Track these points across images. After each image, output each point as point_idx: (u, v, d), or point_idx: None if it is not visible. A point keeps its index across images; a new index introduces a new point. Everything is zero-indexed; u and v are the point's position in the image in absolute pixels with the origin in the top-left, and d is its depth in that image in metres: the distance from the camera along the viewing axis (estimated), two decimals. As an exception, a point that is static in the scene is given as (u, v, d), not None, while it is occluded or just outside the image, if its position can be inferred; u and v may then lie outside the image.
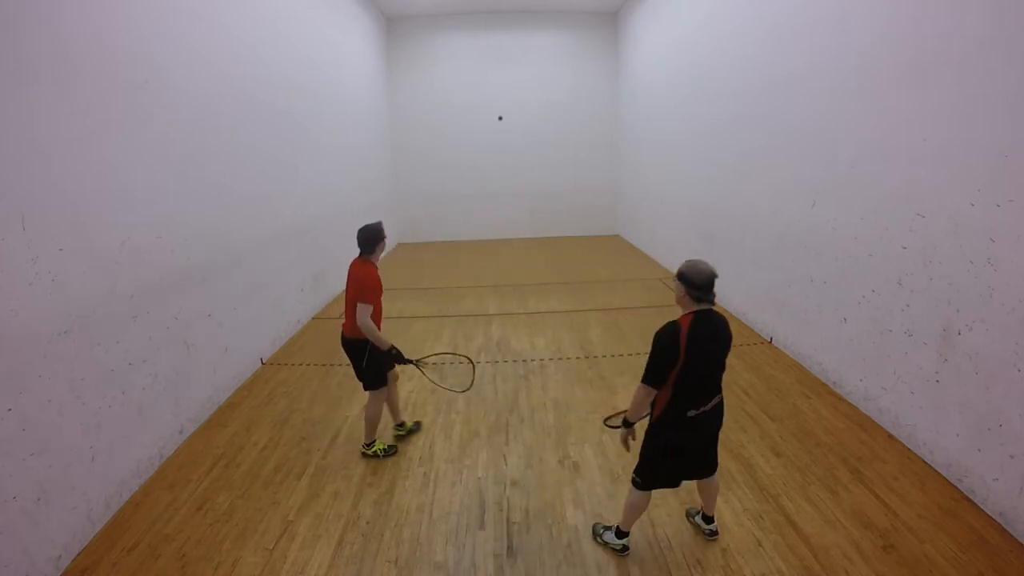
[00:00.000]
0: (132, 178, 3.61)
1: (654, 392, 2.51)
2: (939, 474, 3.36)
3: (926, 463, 3.47)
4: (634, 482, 2.72)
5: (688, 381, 2.46)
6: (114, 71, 3.47)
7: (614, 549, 2.83)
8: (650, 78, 10.00)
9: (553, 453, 3.76)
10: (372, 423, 3.74)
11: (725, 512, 3.10)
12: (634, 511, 2.76)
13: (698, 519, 2.99)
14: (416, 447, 3.90)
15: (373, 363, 3.62)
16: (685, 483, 2.79)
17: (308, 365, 5.43)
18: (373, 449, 3.78)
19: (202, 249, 4.44)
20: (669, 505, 3.17)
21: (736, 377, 4.82)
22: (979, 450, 3.08)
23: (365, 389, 3.72)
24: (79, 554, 2.92)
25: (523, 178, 12.66)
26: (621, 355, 5.44)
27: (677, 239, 8.74)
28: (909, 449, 3.63)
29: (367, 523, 3.11)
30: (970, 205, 3.12)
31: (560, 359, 5.36)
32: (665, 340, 2.42)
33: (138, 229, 3.64)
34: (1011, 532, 2.84)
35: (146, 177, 3.76)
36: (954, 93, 3.22)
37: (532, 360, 5.40)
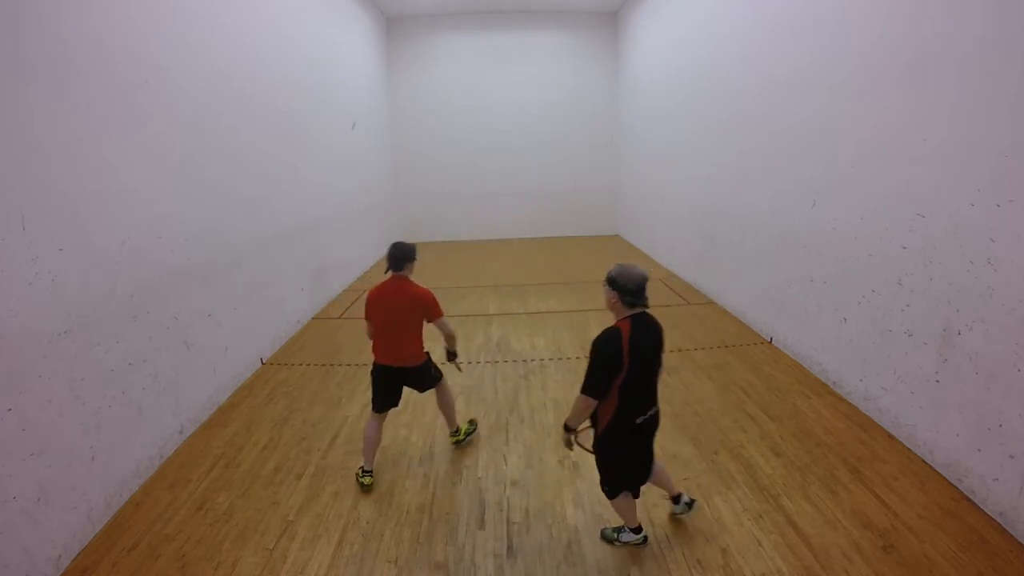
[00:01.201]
0: (132, 178, 3.61)
1: (594, 403, 2.43)
2: (939, 474, 3.35)
3: (926, 463, 3.46)
4: (606, 493, 2.72)
5: (633, 388, 2.41)
6: (114, 71, 3.47)
7: (636, 544, 2.85)
8: (650, 78, 10.00)
9: (553, 453, 3.76)
10: (452, 409, 3.79)
11: (725, 512, 3.10)
12: (626, 511, 2.78)
13: (677, 508, 3.00)
14: (416, 447, 3.90)
15: (433, 365, 3.65)
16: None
17: (308, 365, 5.43)
18: (459, 436, 3.83)
19: (202, 249, 4.44)
20: (669, 505, 3.16)
21: (736, 377, 4.82)
22: (979, 450, 3.08)
23: (431, 387, 3.67)
24: (79, 554, 2.92)
25: (523, 178, 12.66)
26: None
27: (677, 239, 8.74)
28: (909, 449, 3.62)
29: (367, 523, 3.11)
30: (970, 205, 3.12)
31: (560, 359, 5.36)
32: (606, 349, 2.35)
33: (138, 229, 3.64)
34: (1011, 532, 2.84)
35: (146, 177, 3.76)
36: (954, 93, 3.21)
37: (532, 360, 5.40)
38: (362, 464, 3.46)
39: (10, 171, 2.68)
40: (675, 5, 8.47)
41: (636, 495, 2.76)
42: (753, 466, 3.52)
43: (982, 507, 3.04)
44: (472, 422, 4.03)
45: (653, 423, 2.63)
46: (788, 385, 4.64)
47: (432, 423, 4.21)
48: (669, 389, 4.64)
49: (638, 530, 2.84)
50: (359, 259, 9.53)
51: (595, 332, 2.58)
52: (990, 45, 2.96)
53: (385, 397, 3.50)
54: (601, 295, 2.64)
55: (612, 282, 2.40)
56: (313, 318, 7.01)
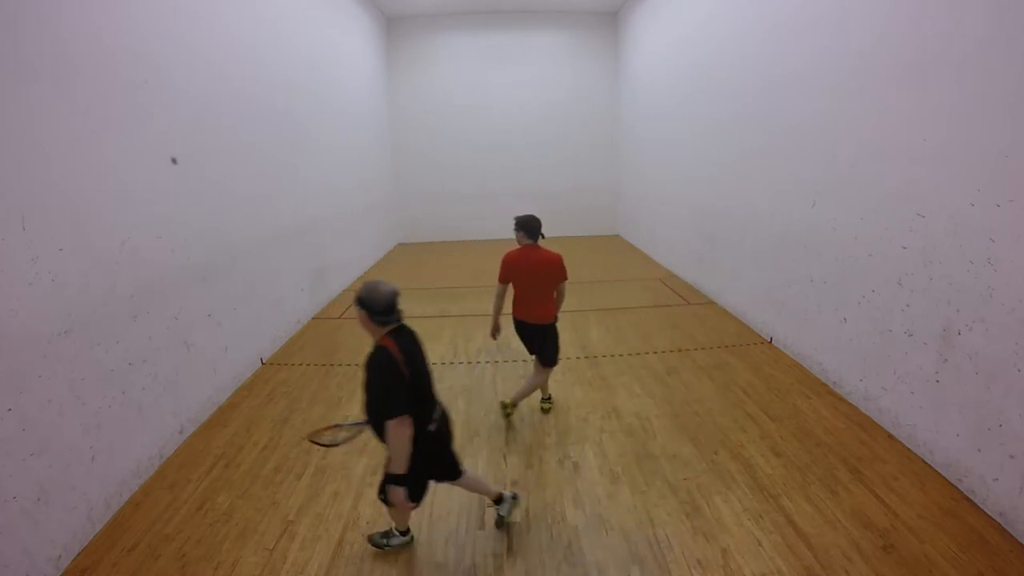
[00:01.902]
0: (132, 178, 3.61)
1: (410, 422, 2.31)
2: (939, 474, 3.36)
3: (926, 463, 3.46)
4: (383, 500, 2.59)
5: (420, 399, 2.38)
6: (114, 71, 3.47)
7: (405, 545, 2.87)
8: (650, 78, 10.00)
9: (553, 453, 3.76)
10: (531, 390, 4.12)
11: (725, 512, 3.10)
12: (403, 516, 2.72)
13: (502, 509, 2.96)
14: (416, 447, 3.89)
15: (557, 336, 4.04)
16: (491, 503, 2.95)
17: (308, 365, 5.43)
18: (550, 404, 4.31)
19: (202, 249, 4.44)
20: (669, 505, 3.17)
21: (736, 377, 4.82)
22: (979, 450, 3.08)
23: (552, 365, 4.07)
24: (79, 554, 2.92)
25: (523, 178, 12.66)
26: (621, 355, 5.43)
27: (677, 239, 8.74)
28: (909, 449, 3.62)
29: (367, 523, 3.11)
30: (970, 205, 3.12)
31: (560, 359, 5.35)
32: (386, 368, 2.26)
33: (138, 229, 3.64)
34: (1011, 532, 2.84)
35: (146, 177, 3.76)
36: (954, 93, 3.21)
37: (532, 360, 5.39)
38: (513, 399, 4.12)
39: (10, 171, 2.68)
40: (675, 5, 8.47)
41: (417, 503, 2.65)
42: (753, 466, 3.52)
43: (982, 507, 3.04)
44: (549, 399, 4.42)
45: (445, 426, 2.59)
46: (788, 385, 4.64)
47: (432, 423, 4.21)
48: (669, 389, 4.64)
49: (406, 532, 2.86)
50: (359, 259, 9.54)
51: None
52: (990, 45, 2.96)
53: (527, 344, 4.09)
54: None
55: (361, 302, 2.33)
56: (313, 318, 7.01)
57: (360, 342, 6.03)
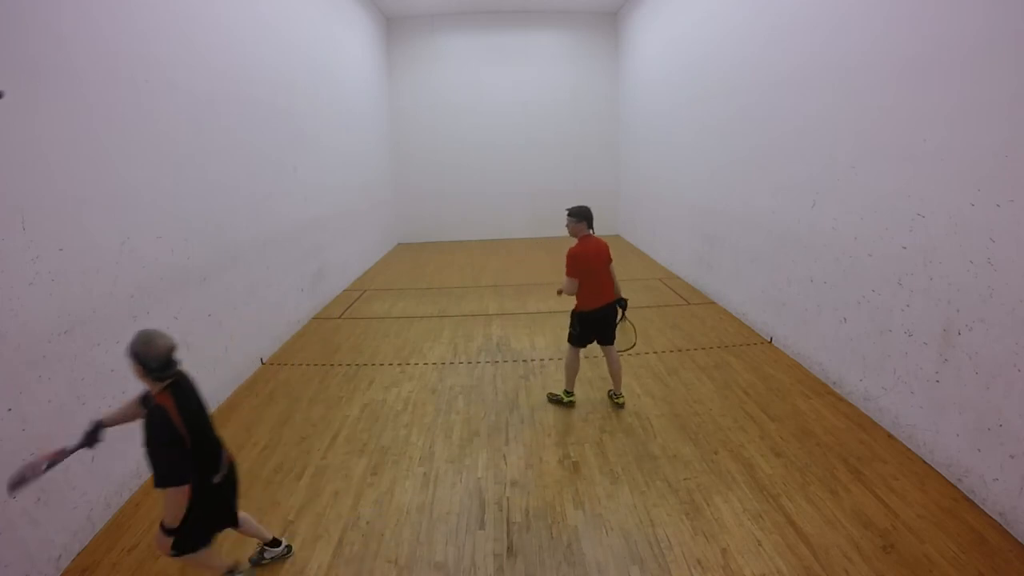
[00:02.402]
0: (132, 178, 3.61)
1: (187, 490, 2.16)
2: (939, 474, 3.36)
3: (926, 463, 3.47)
4: (175, 556, 2.38)
5: (203, 454, 2.28)
6: (114, 71, 3.47)
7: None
8: (650, 78, 10.00)
9: (553, 453, 3.76)
10: (620, 370, 4.36)
11: (725, 512, 3.10)
12: (210, 561, 2.53)
13: (275, 552, 2.84)
14: (416, 447, 3.90)
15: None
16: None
17: (308, 365, 5.43)
18: (621, 398, 4.37)
19: (202, 249, 4.44)
20: (669, 505, 3.17)
21: (736, 377, 4.82)
22: (979, 450, 3.08)
23: (612, 339, 4.24)
24: (79, 554, 2.92)
25: (523, 178, 12.67)
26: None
27: (677, 239, 8.74)
28: (909, 449, 3.63)
29: (367, 523, 3.11)
30: (970, 205, 3.12)
31: (560, 359, 5.35)
32: (166, 433, 2.11)
33: (138, 229, 3.64)
34: (1011, 532, 2.84)
35: (146, 177, 3.76)
36: (954, 93, 3.21)
37: (532, 360, 5.40)
38: (566, 388, 4.39)
39: (10, 171, 2.68)
40: (675, 5, 8.47)
41: (209, 542, 2.49)
42: (753, 466, 3.52)
43: (982, 507, 3.04)
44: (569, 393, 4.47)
45: (231, 475, 2.48)
46: (788, 385, 4.64)
47: (432, 423, 4.21)
48: (669, 389, 4.64)
49: (234, 568, 2.65)
50: (359, 259, 9.53)
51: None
52: (990, 45, 2.96)
53: (593, 333, 4.20)
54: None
55: (136, 356, 2.16)
56: (313, 318, 7.01)
57: (360, 342, 6.04)
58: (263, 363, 5.48)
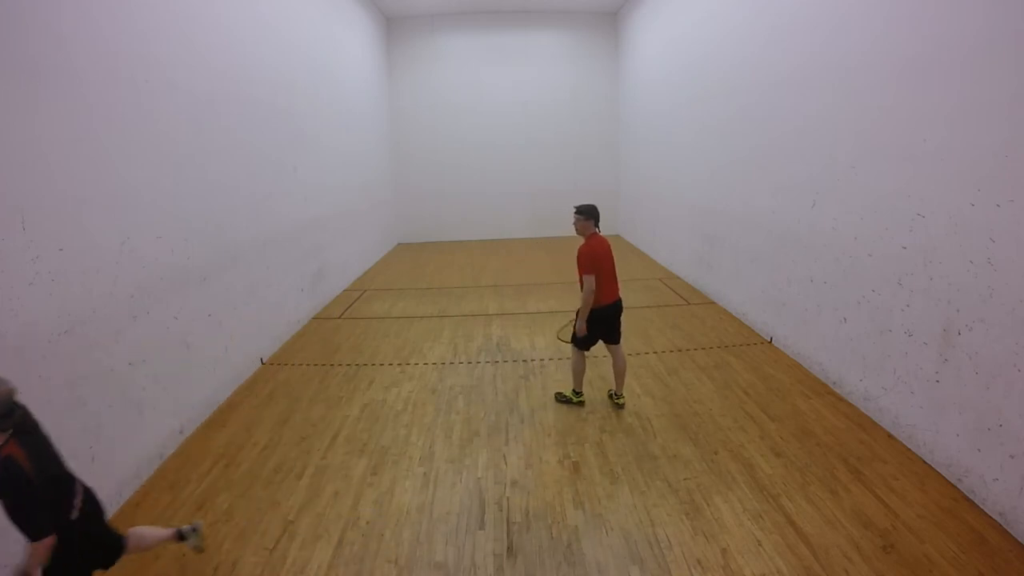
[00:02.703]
0: (132, 178, 3.61)
1: (51, 543, 2.06)
2: (939, 474, 3.36)
3: (926, 463, 3.46)
4: None
5: (55, 496, 2.16)
6: (114, 70, 3.47)
7: None
8: (650, 78, 10.00)
9: (553, 453, 3.76)
10: (624, 371, 4.36)
11: (725, 512, 3.10)
12: None
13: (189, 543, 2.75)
14: (416, 447, 3.90)
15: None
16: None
17: (308, 365, 5.43)
18: (621, 399, 4.37)
19: (202, 249, 4.44)
20: (669, 505, 3.17)
21: (736, 377, 4.82)
22: (979, 450, 3.08)
23: (619, 342, 4.31)
24: (79, 554, 2.91)
25: (523, 178, 12.67)
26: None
27: (677, 239, 8.74)
28: (909, 449, 3.62)
29: (367, 523, 3.11)
30: (970, 205, 3.12)
31: (560, 359, 5.36)
32: (19, 486, 1.97)
33: (138, 229, 3.64)
34: (1011, 532, 2.84)
35: (146, 177, 3.76)
36: (954, 93, 3.22)
37: (532, 360, 5.40)
38: (574, 388, 4.42)
39: (10, 171, 2.68)
40: (675, 5, 8.47)
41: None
42: (753, 466, 3.52)
43: (982, 507, 3.04)
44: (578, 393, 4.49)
45: (91, 505, 2.34)
46: (788, 385, 4.64)
47: (432, 423, 4.22)
48: (669, 389, 4.64)
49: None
50: (359, 259, 9.53)
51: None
52: (990, 45, 2.96)
53: (600, 332, 4.22)
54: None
55: None
56: (313, 318, 7.01)
57: (360, 342, 6.04)
58: (263, 363, 5.48)
